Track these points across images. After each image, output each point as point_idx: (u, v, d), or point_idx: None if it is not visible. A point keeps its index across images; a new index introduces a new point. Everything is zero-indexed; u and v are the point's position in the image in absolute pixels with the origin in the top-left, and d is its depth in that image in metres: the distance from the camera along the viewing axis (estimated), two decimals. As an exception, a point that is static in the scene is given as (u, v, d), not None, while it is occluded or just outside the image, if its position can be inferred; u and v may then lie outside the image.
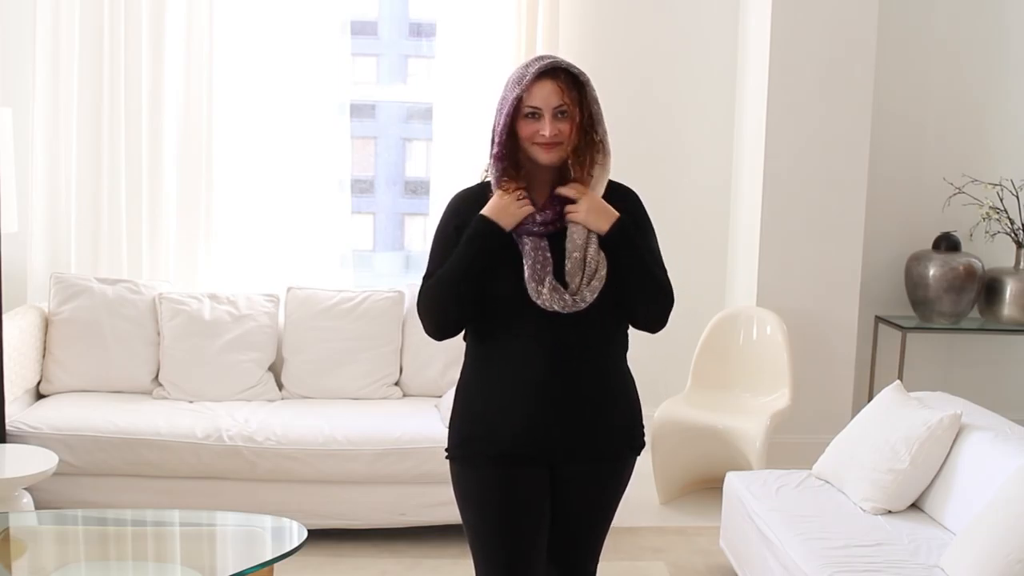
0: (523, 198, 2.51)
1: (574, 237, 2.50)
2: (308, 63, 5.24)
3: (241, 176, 5.30)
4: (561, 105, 2.48)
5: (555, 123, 2.48)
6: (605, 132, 2.55)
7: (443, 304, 2.54)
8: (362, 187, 5.95)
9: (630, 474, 2.72)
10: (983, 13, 5.55)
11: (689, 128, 5.56)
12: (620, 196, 2.63)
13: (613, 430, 2.62)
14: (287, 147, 5.29)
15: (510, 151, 2.52)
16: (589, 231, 2.51)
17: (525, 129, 2.50)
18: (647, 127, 5.52)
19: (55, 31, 5.03)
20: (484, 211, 2.51)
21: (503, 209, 2.50)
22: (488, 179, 2.58)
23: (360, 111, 5.74)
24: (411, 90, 5.98)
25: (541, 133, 2.48)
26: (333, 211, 5.37)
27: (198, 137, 5.21)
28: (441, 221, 2.64)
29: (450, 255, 2.54)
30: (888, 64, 5.41)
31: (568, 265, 2.49)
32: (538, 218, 2.51)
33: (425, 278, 2.60)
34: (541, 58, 2.52)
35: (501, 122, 2.51)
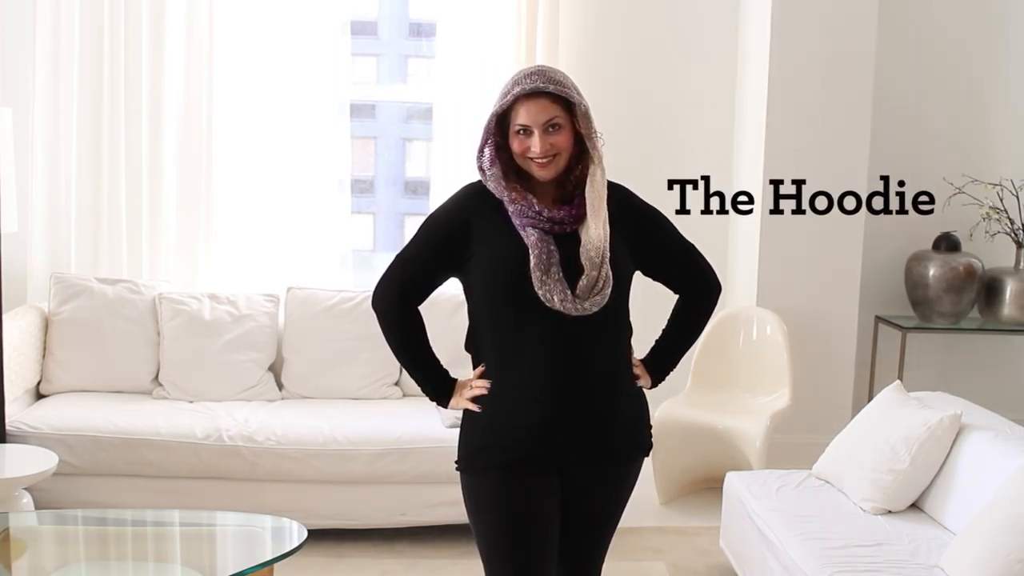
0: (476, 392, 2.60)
1: (590, 254, 2.49)
2: (308, 63, 5.24)
3: (241, 176, 5.30)
4: (552, 119, 2.47)
5: (547, 137, 2.47)
6: (596, 146, 2.54)
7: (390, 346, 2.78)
8: (362, 187, 5.95)
9: (637, 475, 2.73)
10: (983, 13, 5.55)
11: (690, 127, 5.56)
12: (616, 198, 2.62)
13: (621, 432, 2.62)
14: (287, 147, 5.29)
15: (507, 160, 2.53)
16: (605, 251, 2.50)
17: (517, 145, 2.50)
18: (647, 126, 5.52)
19: (55, 31, 5.03)
20: (450, 404, 2.68)
21: (456, 398, 2.66)
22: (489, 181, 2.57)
23: (360, 111, 5.74)
24: (411, 90, 5.98)
25: (532, 150, 2.48)
26: (333, 211, 5.37)
27: (198, 137, 5.21)
28: (443, 209, 2.65)
29: (429, 251, 2.61)
30: (888, 65, 5.41)
31: (584, 281, 2.47)
32: (545, 214, 2.50)
33: (400, 257, 2.66)
34: (532, 74, 2.49)
35: (484, 136, 2.53)
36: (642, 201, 2.71)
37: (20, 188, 4.95)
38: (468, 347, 2.68)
